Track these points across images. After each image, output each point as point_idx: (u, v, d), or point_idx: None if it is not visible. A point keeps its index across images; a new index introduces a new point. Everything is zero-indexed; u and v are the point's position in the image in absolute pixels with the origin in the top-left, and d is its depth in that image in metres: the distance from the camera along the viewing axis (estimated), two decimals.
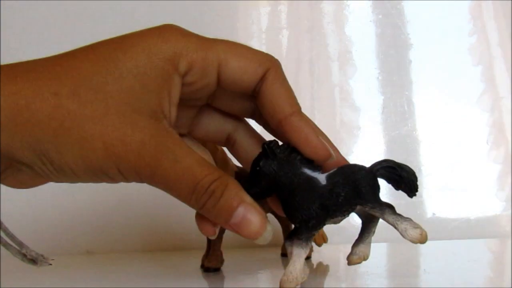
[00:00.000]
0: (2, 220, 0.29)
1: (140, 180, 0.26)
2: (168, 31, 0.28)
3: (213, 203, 0.26)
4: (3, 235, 0.29)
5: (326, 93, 0.65)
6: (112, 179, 0.27)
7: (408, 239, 0.30)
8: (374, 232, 0.32)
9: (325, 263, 0.44)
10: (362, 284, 0.37)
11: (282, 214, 0.29)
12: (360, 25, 0.66)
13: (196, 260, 0.44)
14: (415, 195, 0.31)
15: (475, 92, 0.65)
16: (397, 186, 0.31)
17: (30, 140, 0.25)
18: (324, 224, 0.29)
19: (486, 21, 0.66)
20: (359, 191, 0.29)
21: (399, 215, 0.30)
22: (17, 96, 0.25)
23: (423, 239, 0.30)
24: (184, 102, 0.29)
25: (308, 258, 0.46)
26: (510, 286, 0.34)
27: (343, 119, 0.64)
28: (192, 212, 0.44)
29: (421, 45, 0.65)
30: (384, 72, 0.65)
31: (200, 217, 0.28)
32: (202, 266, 0.42)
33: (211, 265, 0.42)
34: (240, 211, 0.26)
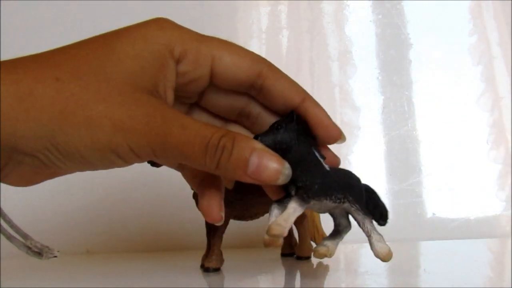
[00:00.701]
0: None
1: (153, 153, 0.26)
2: (164, 22, 0.29)
3: (226, 158, 0.26)
4: (7, 227, 0.28)
5: (326, 93, 0.65)
6: (123, 159, 0.26)
7: (375, 251, 0.32)
8: (343, 238, 0.34)
9: (325, 263, 0.44)
10: (362, 284, 0.37)
11: (274, 197, 0.30)
12: (360, 25, 0.66)
13: (196, 260, 0.44)
14: (385, 224, 0.33)
15: (475, 92, 0.65)
16: (372, 210, 0.33)
17: (34, 126, 0.25)
18: (319, 200, 0.30)
19: (486, 21, 0.66)
20: (353, 189, 0.32)
21: (375, 228, 0.32)
22: (19, 85, 0.25)
23: (388, 258, 0.32)
24: (175, 97, 0.29)
25: (308, 258, 0.46)
26: (510, 286, 0.34)
27: (343, 119, 0.64)
28: (192, 212, 0.44)
29: (421, 45, 0.65)
30: (384, 72, 0.65)
31: (205, 205, 0.29)
32: (202, 266, 0.42)
33: (211, 265, 0.42)
34: (254, 158, 0.27)
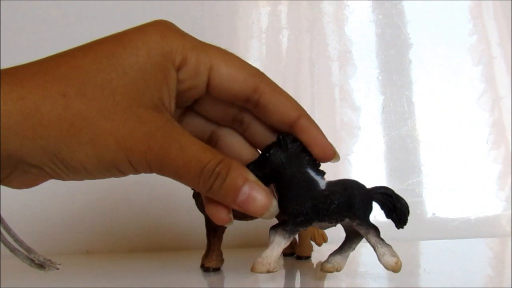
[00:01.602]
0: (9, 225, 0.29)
1: (150, 170, 0.27)
2: (165, 28, 0.29)
3: (219, 184, 0.27)
4: (11, 241, 0.29)
5: (326, 93, 0.65)
6: (122, 173, 0.28)
7: (382, 264, 0.32)
8: (354, 248, 0.34)
9: None
10: (362, 284, 0.37)
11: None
12: (360, 25, 0.66)
13: (196, 260, 0.44)
14: (402, 227, 0.32)
15: (475, 92, 0.65)
16: (388, 214, 0.32)
17: (41, 142, 0.25)
18: (311, 225, 0.31)
19: (486, 21, 0.66)
20: (352, 205, 0.31)
21: (382, 239, 0.32)
22: (26, 100, 0.25)
23: (397, 268, 0.32)
24: None
25: (308, 257, 0.46)
26: (510, 286, 0.34)
27: (343, 119, 0.64)
28: (192, 212, 0.44)
29: (421, 45, 0.65)
30: (384, 72, 0.65)
31: (213, 207, 0.29)
32: (202, 266, 0.42)
33: (211, 265, 0.42)
34: (246, 189, 0.28)
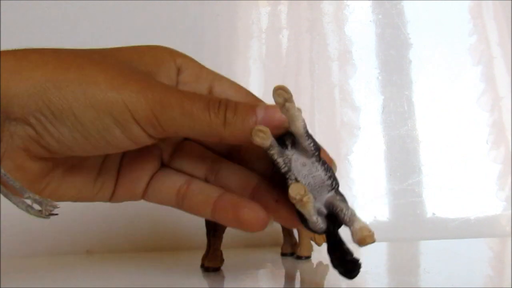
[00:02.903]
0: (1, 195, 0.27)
1: (151, 112, 0.25)
2: (171, 49, 0.30)
3: (233, 110, 0.25)
4: (2, 188, 0.26)
5: (326, 93, 0.65)
6: (120, 125, 0.25)
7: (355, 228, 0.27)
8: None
9: (325, 262, 0.44)
10: (362, 283, 0.37)
11: (290, 226, 0.29)
12: (360, 25, 0.66)
13: (196, 260, 0.44)
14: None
15: (475, 92, 0.65)
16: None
17: (26, 84, 0.24)
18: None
19: (486, 21, 0.66)
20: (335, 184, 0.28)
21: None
22: (16, 52, 0.25)
23: (370, 239, 0.26)
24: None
25: (308, 257, 0.46)
26: (510, 286, 0.34)
27: (343, 119, 0.64)
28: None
29: (421, 45, 0.65)
30: (384, 72, 0.65)
31: (244, 213, 0.28)
32: (202, 266, 0.42)
33: (211, 265, 0.42)
34: (261, 105, 0.26)
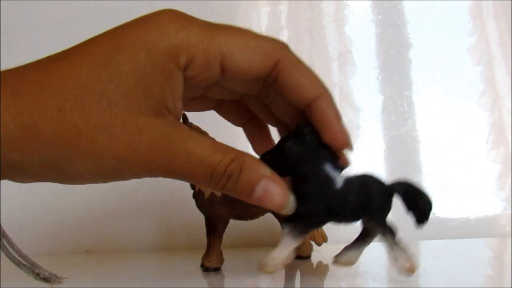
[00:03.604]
0: (8, 233, 0.30)
1: (153, 176, 0.27)
2: (166, 21, 0.27)
3: (233, 184, 0.27)
4: (16, 255, 0.30)
5: None
6: (125, 179, 0.28)
7: (395, 267, 0.30)
8: (369, 243, 0.32)
9: (325, 262, 0.44)
10: (362, 283, 0.37)
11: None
12: (360, 25, 0.66)
13: (196, 260, 0.44)
14: (421, 226, 0.30)
15: (475, 92, 0.65)
16: (408, 210, 0.31)
17: (40, 155, 0.25)
18: (324, 225, 0.29)
19: (486, 21, 0.66)
20: (370, 205, 0.29)
21: (397, 243, 0.30)
22: (24, 115, 0.25)
23: (410, 272, 0.30)
24: (187, 85, 0.28)
25: (308, 257, 0.46)
26: (510, 286, 0.34)
27: (343, 119, 0.64)
28: (192, 212, 0.44)
29: (421, 45, 0.65)
30: (384, 72, 0.65)
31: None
32: (202, 266, 0.42)
33: (211, 265, 0.42)
34: (261, 185, 0.27)
